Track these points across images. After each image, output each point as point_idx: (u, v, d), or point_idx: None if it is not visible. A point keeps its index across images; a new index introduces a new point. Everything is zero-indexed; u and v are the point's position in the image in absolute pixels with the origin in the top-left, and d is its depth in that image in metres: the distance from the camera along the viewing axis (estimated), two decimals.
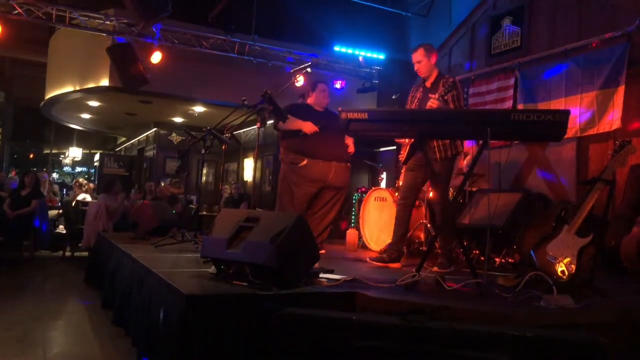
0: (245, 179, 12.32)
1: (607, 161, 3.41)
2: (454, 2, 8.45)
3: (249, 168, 12.28)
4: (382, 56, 9.37)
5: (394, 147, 8.92)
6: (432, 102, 3.92)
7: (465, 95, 7.46)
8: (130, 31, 7.96)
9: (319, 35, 9.29)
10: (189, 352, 2.35)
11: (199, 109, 10.77)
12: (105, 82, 9.03)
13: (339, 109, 3.42)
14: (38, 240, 7.63)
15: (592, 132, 5.74)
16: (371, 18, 9.18)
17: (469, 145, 6.78)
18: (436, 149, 4.07)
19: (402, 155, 4.28)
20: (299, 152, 4.83)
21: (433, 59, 4.20)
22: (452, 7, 8.42)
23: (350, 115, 3.29)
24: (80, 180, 9.95)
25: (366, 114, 3.31)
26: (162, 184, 10.07)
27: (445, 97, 3.96)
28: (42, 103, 11.45)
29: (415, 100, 4.25)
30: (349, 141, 4.85)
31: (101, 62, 8.73)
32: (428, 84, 4.22)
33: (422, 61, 4.18)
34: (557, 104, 6.09)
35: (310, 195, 4.86)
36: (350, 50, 9.19)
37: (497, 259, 4.63)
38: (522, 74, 6.63)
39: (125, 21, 7.90)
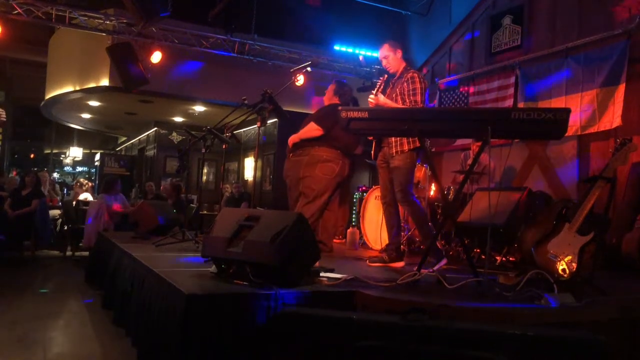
0: (245, 178, 12.33)
1: (608, 159, 3.40)
2: (454, 1, 8.44)
3: (249, 167, 12.28)
4: None
5: None
6: (370, 99, 3.98)
7: (466, 94, 7.47)
8: (130, 31, 7.96)
9: (319, 35, 9.29)
10: (189, 352, 2.35)
11: (199, 108, 10.78)
12: (105, 82, 9.03)
13: (339, 107, 3.42)
14: (39, 239, 7.62)
15: (592, 130, 5.74)
16: (371, 17, 9.16)
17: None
18: (392, 143, 4.01)
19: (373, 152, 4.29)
20: None
21: (399, 54, 4.18)
22: (452, 6, 8.41)
23: (351, 114, 3.29)
24: (81, 180, 9.95)
25: (367, 112, 3.30)
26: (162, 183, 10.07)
27: (394, 94, 4.02)
28: (42, 103, 11.46)
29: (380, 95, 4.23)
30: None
31: (101, 62, 8.74)
32: (395, 79, 4.20)
33: (388, 56, 4.17)
34: (558, 102, 6.09)
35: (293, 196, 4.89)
36: (350, 50, 9.19)
37: (498, 258, 4.63)
38: (523, 73, 6.63)
39: (125, 21, 7.89)
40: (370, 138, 4.31)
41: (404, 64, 4.20)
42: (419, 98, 3.96)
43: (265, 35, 8.80)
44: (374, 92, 4.01)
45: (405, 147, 3.97)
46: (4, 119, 3.63)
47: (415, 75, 4.03)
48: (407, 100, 3.98)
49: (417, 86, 3.97)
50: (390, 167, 4.07)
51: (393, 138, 4.00)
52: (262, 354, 2.44)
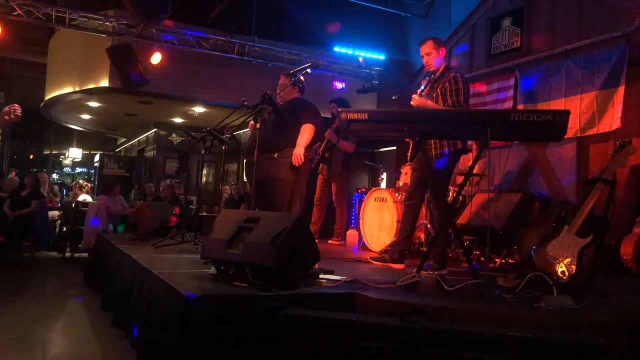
0: (245, 180, 12.31)
1: (607, 161, 3.41)
2: (453, 3, 8.45)
3: None
4: (382, 57, 9.37)
5: (394, 147, 8.92)
6: (413, 99, 3.95)
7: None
8: (130, 32, 7.96)
9: (319, 36, 9.30)
10: (188, 354, 2.35)
11: (198, 109, 10.78)
12: (105, 83, 9.03)
13: (339, 109, 3.42)
14: (38, 241, 7.62)
15: (592, 132, 5.74)
16: (371, 19, 9.18)
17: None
18: (432, 146, 3.98)
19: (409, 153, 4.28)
20: None
21: (442, 53, 4.12)
22: (452, 8, 8.42)
23: (351, 116, 3.29)
24: (80, 181, 9.95)
25: (366, 114, 3.31)
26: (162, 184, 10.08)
27: (434, 94, 3.98)
28: (42, 104, 11.46)
29: (424, 95, 4.21)
30: None
31: (101, 63, 8.74)
32: (434, 78, 4.13)
33: (431, 53, 4.10)
34: (557, 104, 6.10)
35: None
36: (350, 51, 9.20)
37: (497, 260, 4.63)
38: (522, 75, 6.63)
39: (125, 22, 7.90)
40: (407, 140, 4.26)
41: (445, 64, 4.13)
42: (462, 99, 3.91)
43: (265, 36, 8.80)
44: (418, 92, 3.97)
45: (446, 150, 3.93)
46: (19, 114, 3.59)
47: (458, 75, 3.97)
48: (449, 101, 3.92)
49: (460, 87, 3.92)
50: (429, 169, 4.02)
51: (432, 140, 3.95)
52: (262, 355, 2.44)
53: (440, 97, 3.98)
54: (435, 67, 4.11)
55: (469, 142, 6.45)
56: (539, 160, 6.44)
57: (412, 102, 3.97)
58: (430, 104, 3.93)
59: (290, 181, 4.49)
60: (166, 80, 8.65)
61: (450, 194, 5.42)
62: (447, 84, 3.95)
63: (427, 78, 4.11)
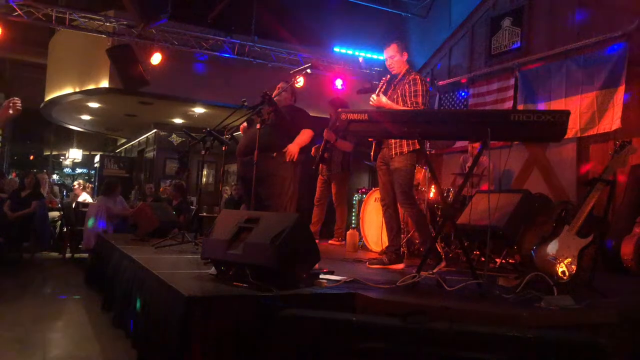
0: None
1: (607, 161, 3.41)
2: (453, 3, 8.45)
3: None
4: (382, 57, 9.34)
5: None
6: (372, 99, 3.97)
7: (466, 96, 7.48)
8: (130, 32, 7.97)
9: (319, 36, 9.30)
10: (189, 354, 2.35)
11: (198, 110, 10.78)
12: (105, 83, 9.03)
13: (339, 110, 3.43)
14: (38, 241, 7.62)
15: (592, 132, 5.75)
16: (371, 19, 9.17)
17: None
18: (392, 145, 4.03)
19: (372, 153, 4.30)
20: None
21: (405, 56, 4.18)
22: (452, 8, 8.42)
23: (351, 117, 3.30)
24: (80, 181, 9.95)
25: (366, 115, 3.31)
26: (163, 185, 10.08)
27: (395, 96, 4.01)
28: (42, 104, 11.46)
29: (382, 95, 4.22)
30: None
31: (101, 64, 8.75)
32: (397, 80, 4.18)
33: (395, 56, 4.16)
34: (557, 105, 6.10)
35: None
36: (350, 51, 9.20)
37: (497, 260, 4.63)
38: (522, 75, 6.63)
39: (125, 22, 7.90)
40: (370, 139, 4.31)
41: (407, 67, 4.20)
42: (420, 100, 3.97)
43: (265, 37, 8.81)
44: (375, 92, 4.01)
45: (405, 149, 3.99)
46: (20, 107, 3.56)
47: (417, 77, 4.04)
48: (409, 102, 3.98)
49: (418, 88, 3.98)
50: (391, 169, 4.08)
51: (392, 140, 4.01)
52: (262, 355, 2.44)
53: (400, 98, 4.03)
54: (398, 70, 4.17)
55: (465, 143, 6.50)
56: (539, 160, 6.44)
57: (370, 102, 4.00)
58: (384, 104, 3.94)
59: (288, 179, 4.49)
60: (166, 80, 8.65)
61: (451, 194, 5.42)
62: (407, 85, 4.02)
63: (383, 78, 4.15)
